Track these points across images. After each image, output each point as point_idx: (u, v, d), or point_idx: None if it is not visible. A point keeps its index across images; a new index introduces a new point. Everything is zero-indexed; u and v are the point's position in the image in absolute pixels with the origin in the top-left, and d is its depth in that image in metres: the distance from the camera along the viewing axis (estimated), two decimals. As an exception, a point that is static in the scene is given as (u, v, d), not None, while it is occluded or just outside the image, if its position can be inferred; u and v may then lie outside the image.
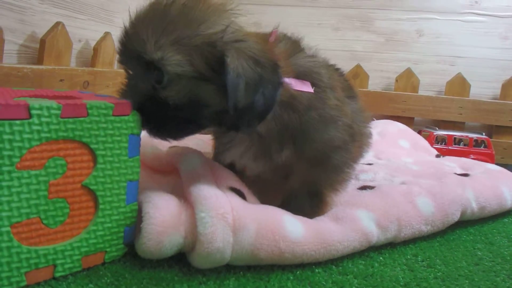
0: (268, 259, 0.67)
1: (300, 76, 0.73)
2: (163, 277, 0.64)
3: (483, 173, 1.15)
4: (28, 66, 1.04)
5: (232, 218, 0.65)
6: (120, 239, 0.67)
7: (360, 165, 1.17)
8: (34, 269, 0.58)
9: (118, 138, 0.64)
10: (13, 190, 0.54)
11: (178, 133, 0.72)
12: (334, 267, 0.72)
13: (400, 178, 1.06)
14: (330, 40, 2.04)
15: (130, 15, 0.67)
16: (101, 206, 0.63)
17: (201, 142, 1.14)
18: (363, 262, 0.75)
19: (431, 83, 1.97)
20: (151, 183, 0.81)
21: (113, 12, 1.53)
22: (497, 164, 1.40)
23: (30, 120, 0.54)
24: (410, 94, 1.92)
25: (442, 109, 1.89)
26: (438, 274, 0.73)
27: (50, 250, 0.59)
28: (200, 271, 0.66)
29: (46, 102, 0.56)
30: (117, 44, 0.70)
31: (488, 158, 1.68)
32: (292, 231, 0.69)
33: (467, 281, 0.71)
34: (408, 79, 1.93)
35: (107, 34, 1.44)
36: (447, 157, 1.47)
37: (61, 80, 1.16)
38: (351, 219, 0.77)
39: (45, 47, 1.13)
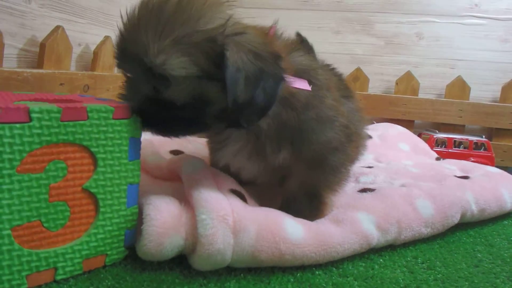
0: (268, 261, 0.68)
1: (298, 73, 0.72)
2: (164, 279, 0.64)
3: (483, 176, 1.16)
4: (28, 70, 1.05)
5: (232, 220, 0.65)
6: (121, 242, 0.67)
7: (361, 168, 1.17)
8: (35, 272, 0.58)
9: (119, 141, 0.64)
10: (14, 193, 0.54)
11: (181, 132, 0.71)
12: (334, 269, 0.72)
13: (400, 181, 1.06)
14: (330, 43, 2.05)
15: (122, 17, 0.65)
16: (101, 209, 0.64)
17: (201, 146, 1.14)
18: (363, 264, 0.75)
19: (431, 86, 1.98)
20: (152, 186, 0.81)
21: (113, 16, 1.54)
22: (497, 166, 1.41)
23: (31, 124, 0.54)
24: (410, 97, 1.92)
25: (442, 112, 1.89)
26: (438, 276, 0.73)
27: (51, 253, 0.59)
28: (201, 274, 0.66)
29: (46, 106, 0.56)
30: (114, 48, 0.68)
31: (488, 160, 1.68)
32: (292, 233, 0.69)
33: (467, 283, 0.71)
34: (408, 82, 1.93)
35: (107, 38, 1.45)
36: (447, 160, 1.47)
37: (61, 84, 1.16)
38: (352, 222, 0.77)
39: (45, 51, 1.14)
